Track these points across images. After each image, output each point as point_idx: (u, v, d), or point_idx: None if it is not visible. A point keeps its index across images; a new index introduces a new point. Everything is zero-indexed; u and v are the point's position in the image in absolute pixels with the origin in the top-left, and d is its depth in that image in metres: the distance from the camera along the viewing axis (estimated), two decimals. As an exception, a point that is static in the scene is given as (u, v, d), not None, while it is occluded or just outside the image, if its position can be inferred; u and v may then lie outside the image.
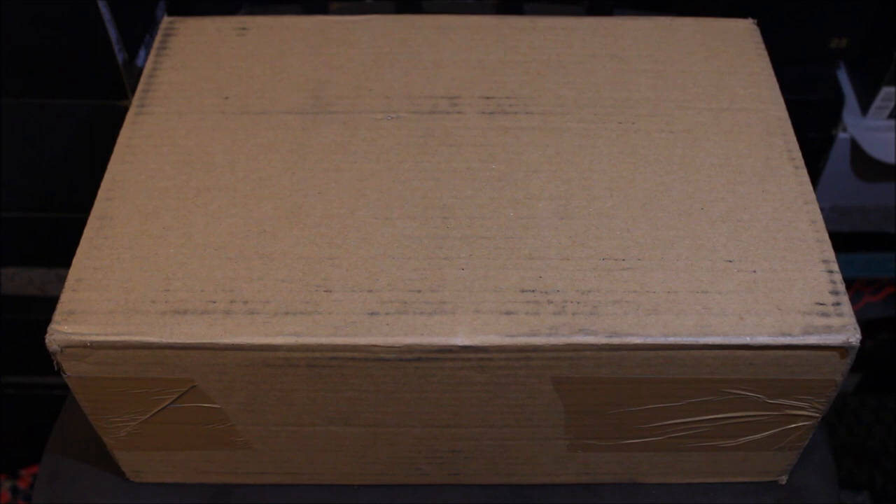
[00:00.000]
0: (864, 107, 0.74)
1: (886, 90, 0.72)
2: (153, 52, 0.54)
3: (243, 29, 0.55)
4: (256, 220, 0.45)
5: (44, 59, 0.64)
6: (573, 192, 0.47)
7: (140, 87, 0.52)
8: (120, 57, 0.64)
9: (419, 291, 0.43)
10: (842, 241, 0.82)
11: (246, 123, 0.50)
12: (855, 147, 0.74)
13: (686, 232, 0.45)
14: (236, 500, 0.51)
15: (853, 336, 0.41)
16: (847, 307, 0.42)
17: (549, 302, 0.42)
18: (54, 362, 0.42)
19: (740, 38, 0.55)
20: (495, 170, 0.48)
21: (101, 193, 0.47)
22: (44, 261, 0.82)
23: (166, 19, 0.56)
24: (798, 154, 0.48)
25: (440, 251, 0.44)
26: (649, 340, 0.41)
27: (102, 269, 0.44)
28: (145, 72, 0.53)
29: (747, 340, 0.41)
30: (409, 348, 0.41)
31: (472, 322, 0.42)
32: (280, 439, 0.47)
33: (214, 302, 0.42)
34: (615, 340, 0.41)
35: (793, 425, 0.46)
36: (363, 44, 0.54)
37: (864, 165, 0.76)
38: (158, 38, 0.55)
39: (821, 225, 0.45)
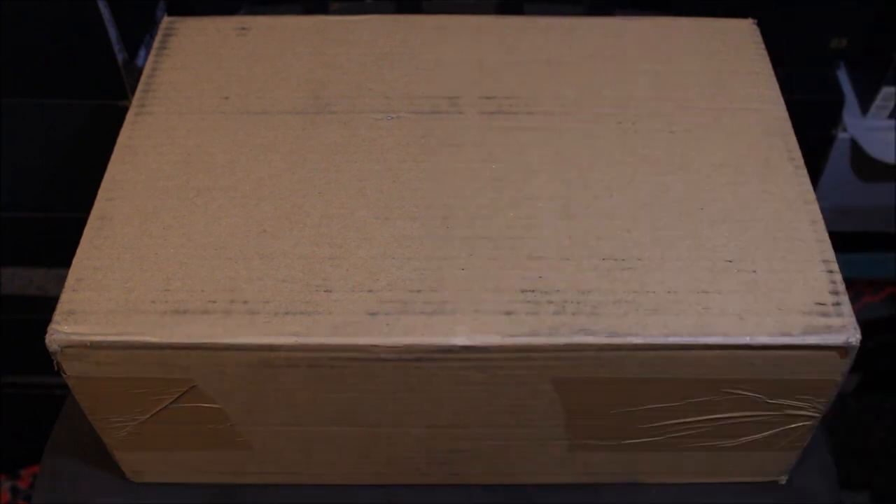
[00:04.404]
0: (864, 107, 0.74)
1: (886, 90, 0.72)
2: (153, 52, 0.54)
3: (243, 29, 0.55)
4: (256, 220, 0.45)
5: (44, 59, 0.64)
6: (573, 192, 0.47)
7: (140, 87, 0.52)
8: (120, 57, 0.64)
9: (419, 291, 0.43)
10: (842, 241, 0.82)
11: (246, 123, 0.50)
12: (855, 147, 0.74)
13: (686, 232, 0.45)
14: (236, 500, 0.51)
15: (853, 336, 0.41)
16: (847, 307, 0.42)
17: (549, 302, 0.42)
18: (54, 362, 0.42)
19: (740, 38, 0.55)
20: (495, 170, 0.48)
21: (101, 193, 0.47)
22: (44, 261, 0.82)
23: (166, 19, 0.56)
24: (798, 154, 0.48)
25: (440, 251, 0.44)
26: (649, 340, 0.41)
27: (102, 269, 0.44)
28: (145, 72, 0.53)
29: (747, 340, 0.41)
30: (409, 348, 0.41)
31: (472, 322, 0.41)
32: (280, 439, 0.47)
33: (214, 302, 0.42)
34: (615, 340, 0.41)
35: (793, 425, 0.46)
36: (363, 44, 0.54)
37: (864, 165, 0.76)
38: (158, 38, 0.55)
39: (821, 225, 0.45)
